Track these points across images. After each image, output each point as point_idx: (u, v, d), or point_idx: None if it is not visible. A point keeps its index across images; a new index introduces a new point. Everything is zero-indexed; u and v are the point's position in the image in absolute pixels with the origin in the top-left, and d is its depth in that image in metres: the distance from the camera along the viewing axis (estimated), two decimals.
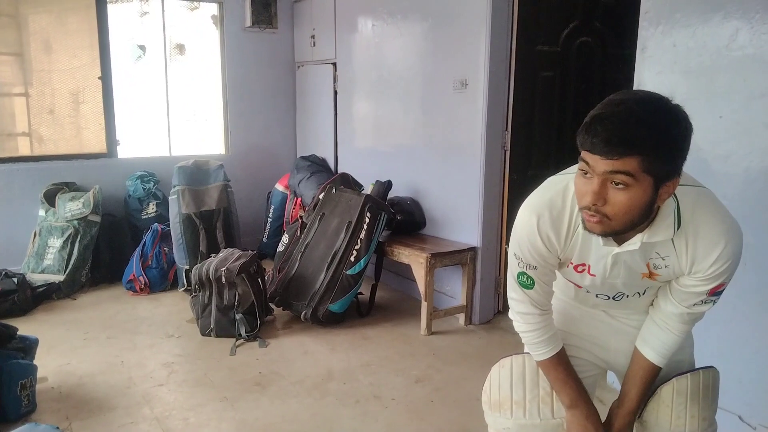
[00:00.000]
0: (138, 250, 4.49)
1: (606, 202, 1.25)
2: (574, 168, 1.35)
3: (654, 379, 1.58)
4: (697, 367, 1.64)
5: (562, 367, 1.59)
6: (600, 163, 1.23)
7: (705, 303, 1.46)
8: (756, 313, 2.43)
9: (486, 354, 3.42)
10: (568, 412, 1.59)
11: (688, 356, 1.67)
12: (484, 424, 1.77)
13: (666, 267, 1.41)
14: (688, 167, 2.58)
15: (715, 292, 1.42)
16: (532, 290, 1.54)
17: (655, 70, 2.71)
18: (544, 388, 1.64)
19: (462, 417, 2.75)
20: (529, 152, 3.87)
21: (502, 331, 3.75)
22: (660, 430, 1.59)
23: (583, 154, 1.27)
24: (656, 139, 1.19)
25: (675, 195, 1.33)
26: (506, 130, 3.77)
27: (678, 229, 1.34)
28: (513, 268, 1.55)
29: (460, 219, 3.94)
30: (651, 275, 1.44)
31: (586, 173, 1.27)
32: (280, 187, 5.23)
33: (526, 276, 1.52)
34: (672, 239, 1.35)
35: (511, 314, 1.65)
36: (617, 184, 1.23)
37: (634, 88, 2.79)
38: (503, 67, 3.67)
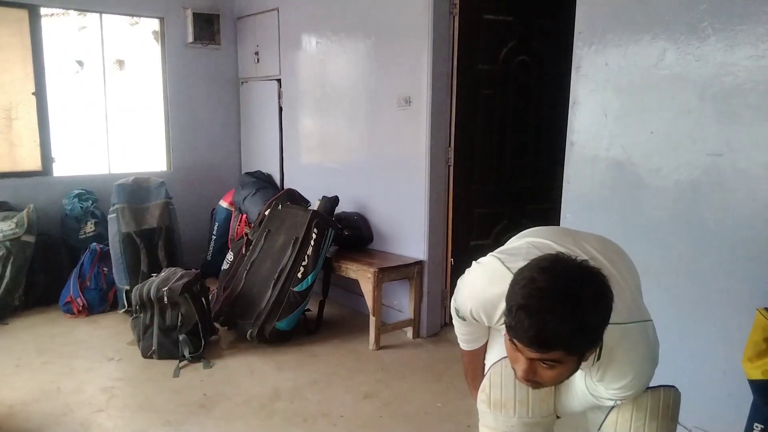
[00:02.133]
0: (75, 270, 4.32)
1: (536, 375, 1.36)
2: (516, 261, 1.47)
3: None
4: (658, 385, 1.66)
5: (479, 360, 1.90)
6: (527, 351, 1.31)
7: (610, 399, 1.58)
8: (689, 320, 2.55)
9: (434, 367, 3.44)
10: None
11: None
12: None
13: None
14: (623, 181, 2.69)
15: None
16: (465, 322, 1.76)
17: (589, 88, 2.83)
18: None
19: (412, 431, 2.76)
20: (471, 168, 3.95)
21: (449, 343, 3.79)
22: None
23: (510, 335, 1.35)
24: (579, 335, 1.27)
25: None
26: (449, 146, 3.84)
27: (596, 362, 1.47)
28: (454, 299, 1.76)
29: (406, 233, 3.98)
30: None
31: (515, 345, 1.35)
32: (224, 203, 5.15)
33: (460, 315, 1.74)
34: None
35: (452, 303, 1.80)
36: (545, 362, 1.32)
37: (570, 105, 2.90)
38: (445, 84, 3.75)
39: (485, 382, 1.76)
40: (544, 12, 3.98)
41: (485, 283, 1.58)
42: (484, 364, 1.88)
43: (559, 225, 2.95)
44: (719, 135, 2.40)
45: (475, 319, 1.65)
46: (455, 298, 1.73)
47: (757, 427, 2.18)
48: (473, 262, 1.69)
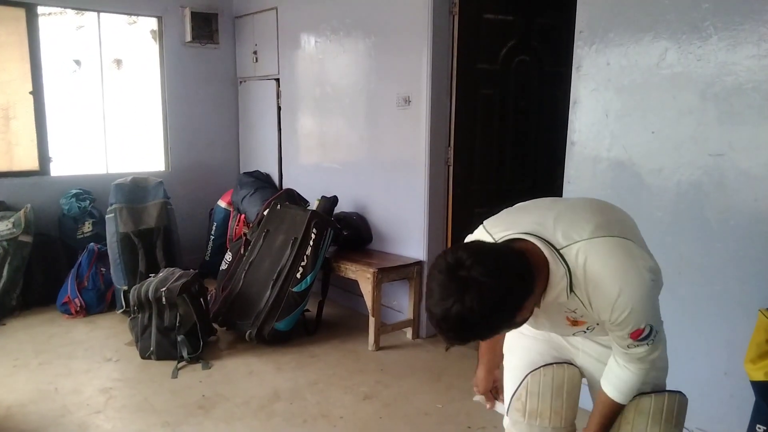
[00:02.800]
0: (73, 271, 4.30)
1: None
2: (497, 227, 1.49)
3: (614, 413, 1.61)
4: (663, 390, 1.65)
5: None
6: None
7: (638, 346, 1.45)
8: (690, 321, 2.54)
9: (434, 367, 3.43)
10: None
11: (653, 379, 1.65)
12: None
13: (583, 316, 1.46)
14: (624, 181, 2.68)
15: (640, 337, 1.43)
16: None
17: (590, 88, 2.82)
18: (575, 398, 1.74)
19: None
20: (471, 167, 3.94)
21: None
22: None
23: None
24: (491, 330, 1.31)
25: (563, 259, 1.37)
26: (449, 146, 3.83)
27: (571, 291, 1.39)
28: None
29: (405, 233, 3.97)
30: (576, 323, 1.50)
31: None
32: (222, 203, 5.13)
33: None
34: (575, 295, 1.40)
35: None
36: None
37: (571, 104, 2.89)
38: (445, 84, 3.74)
39: (521, 390, 1.74)
40: (544, 11, 3.97)
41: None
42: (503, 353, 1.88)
43: None
44: (721, 135, 2.39)
45: None
46: None
47: (759, 428, 2.17)
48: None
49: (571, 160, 2.94)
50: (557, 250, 1.37)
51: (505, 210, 1.64)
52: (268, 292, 3.68)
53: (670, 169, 2.57)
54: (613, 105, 2.73)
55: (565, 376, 1.72)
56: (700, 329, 2.53)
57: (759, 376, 2.16)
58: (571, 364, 1.74)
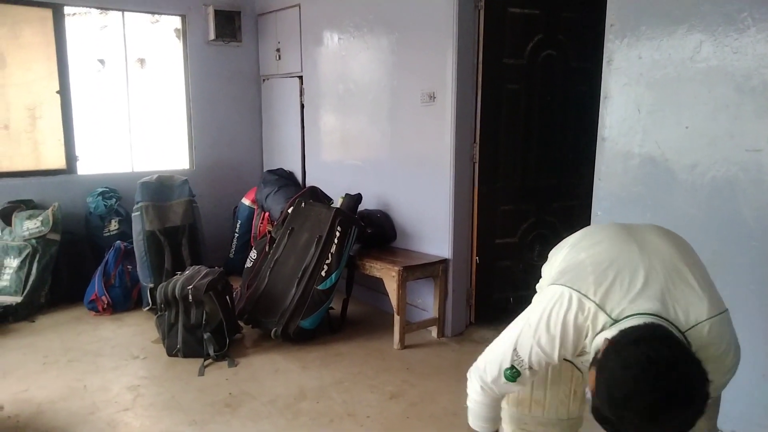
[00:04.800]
0: (100, 268, 4.34)
1: None
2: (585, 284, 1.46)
3: None
4: None
5: None
6: None
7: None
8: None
9: (459, 367, 3.39)
10: None
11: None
12: None
13: None
14: (657, 177, 2.61)
15: None
16: (512, 383, 1.55)
17: (621, 82, 2.75)
18: (564, 391, 1.78)
19: None
20: (496, 164, 3.89)
21: (474, 343, 3.74)
22: None
23: None
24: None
25: (687, 341, 1.39)
26: (474, 142, 3.78)
27: None
28: (503, 361, 1.54)
29: (430, 231, 3.93)
30: None
31: None
32: (246, 201, 5.14)
33: (515, 372, 1.53)
34: None
35: (471, 376, 1.65)
36: None
37: (601, 99, 2.83)
38: (470, 80, 3.69)
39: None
40: (570, 5, 3.90)
41: (565, 314, 1.45)
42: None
43: (589, 223, 2.88)
44: (759, 130, 2.32)
45: (533, 370, 1.52)
46: (504, 357, 1.53)
47: None
48: (532, 309, 1.55)
49: (602, 156, 2.88)
50: (683, 333, 1.39)
51: (564, 251, 1.67)
52: (293, 290, 3.68)
53: (704, 165, 2.50)
54: (646, 99, 2.66)
55: (548, 369, 1.75)
56: (736, 329, 2.46)
57: None
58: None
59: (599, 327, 1.43)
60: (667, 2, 2.55)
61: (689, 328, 1.40)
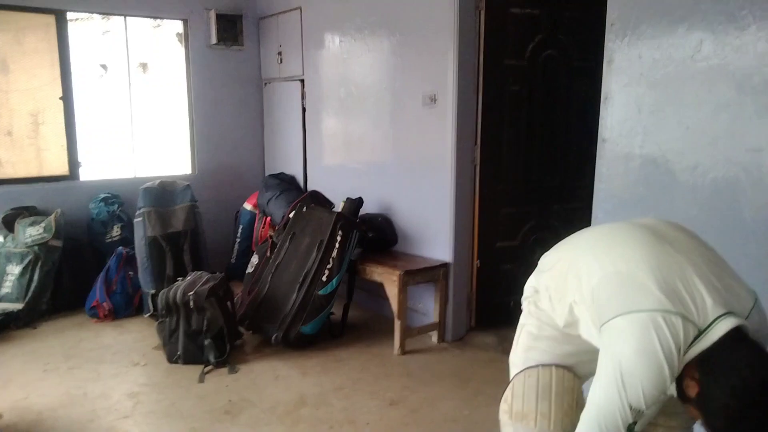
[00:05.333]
0: (102, 274, 4.34)
1: None
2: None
3: None
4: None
5: None
6: None
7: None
8: None
9: (460, 372, 3.36)
10: None
11: None
12: None
13: None
14: (658, 178, 2.57)
15: None
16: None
17: (622, 82, 2.71)
18: (568, 401, 1.66)
19: None
20: (498, 166, 3.85)
21: (475, 348, 3.69)
22: None
23: None
24: None
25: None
26: (476, 144, 3.75)
27: None
28: (621, 421, 1.38)
29: (431, 235, 3.90)
30: None
31: None
32: (248, 206, 5.13)
33: (634, 424, 1.39)
34: None
35: None
36: None
37: (602, 100, 2.78)
38: (471, 81, 3.66)
39: (507, 392, 1.72)
40: (571, 4, 3.86)
41: (660, 342, 1.31)
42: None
43: (590, 224, 2.83)
44: (760, 129, 2.27)
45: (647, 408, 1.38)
46: (621, 421, 1.36)
47: None
48: (617, 356, 1.36)
49: (602, 157, 2.83)
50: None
51: (620, 273, 1.45)
52: (294, 295, 3.66)
53: (705, 166, 2.45)
54: (646, 100, 2.61)
55: (552, 378, 1.66)
56: None
57: None
58: (565, 367, 1.67)
59: (691, 338, 1.33)
60: (668, 0, 2.51)
61: (747, 318, 1.36)
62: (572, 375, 1.69)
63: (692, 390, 1.34)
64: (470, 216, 3.82)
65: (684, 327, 1.31)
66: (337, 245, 3.68)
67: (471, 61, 3.64)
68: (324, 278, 3.65)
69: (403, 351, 3.62)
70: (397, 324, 3.59)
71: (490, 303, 3.93)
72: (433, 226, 3.88)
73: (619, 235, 1.56)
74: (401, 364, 3.51)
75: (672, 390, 1.39)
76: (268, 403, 3.03)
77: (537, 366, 1.68)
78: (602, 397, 1.38)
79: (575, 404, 1.68)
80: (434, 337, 3.82)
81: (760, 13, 2.21)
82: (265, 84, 5.58)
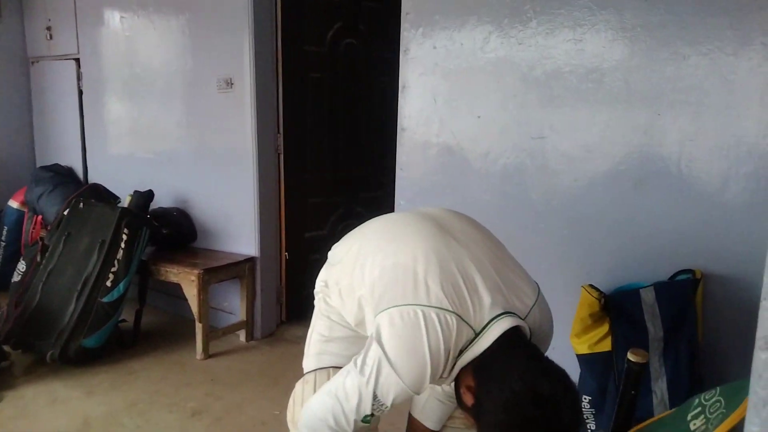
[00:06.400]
0: None
1: None
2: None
3: None
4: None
5: None
6: None
7: None
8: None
9: (270, 371, 3.20)
10: None
11: None
12: None
13: None
14: (454, 166, 2.65)
15: None
16: (366, 424, 1.34)
17: (418, 72, 2.75)
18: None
19: None
20: (303, 155, 3.74)
21: (285, 342, 3.56)
22: None
23: None
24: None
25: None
26: (278, 132, 3.59)
27: None
28: (359, 412, 1.29)
29: (235, 228, 3.67)
30: None
31: None
32: (14, 203, 4.39)
33: (370, 416, 1.31)
34: None
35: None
36: None
37: (400, 89, 2.81)
38: (270, 66, 3.49)
39: (290, 400, 1.62)
40: None
41: (428, 339, 1.24)
42: None
43: (393, 211, 2.85)
44: (542, 118, 2.44)
45: (390, 406, 1.30)
46: (360, 408, 1.29)
47: (585, 398, 2.26)
48: (380, 345, 1.27)
49: (402, 146, 2.86)
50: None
51: (396, 266, 1.37)
52: (73, 305, 3.18)
53: (496, 153, 2.59)
54: (441, 89, 2.69)
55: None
56: None
57: (583, 350, 2.25)
58: None
59: (464, 340, 1.27)
60: None
61: (527, 315, 1.35)
62: None
63: (468, 399, 1.29)
64: (276, 207, 3.66)
65: (458, 328, 1.25)
66: (122, 245, 3.27)
67: (269, 45, 3.46)
68: (108, 283, 3.22)
69: (207, 355, 3.36)
70: (199, 327, 3.31)
71: (300, 295, 3.81)
72: (236, 219, 3.64)
73: (404, 227, 1.50)
74: (205, 369, 3.24)
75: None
76: None
77: (314, 370, 1.57)
78: (353, 376, 1.29)
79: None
80: (242, 336, 3.60)
81: (540, 9, 2.36)
82: (33, 63, 4.82)
